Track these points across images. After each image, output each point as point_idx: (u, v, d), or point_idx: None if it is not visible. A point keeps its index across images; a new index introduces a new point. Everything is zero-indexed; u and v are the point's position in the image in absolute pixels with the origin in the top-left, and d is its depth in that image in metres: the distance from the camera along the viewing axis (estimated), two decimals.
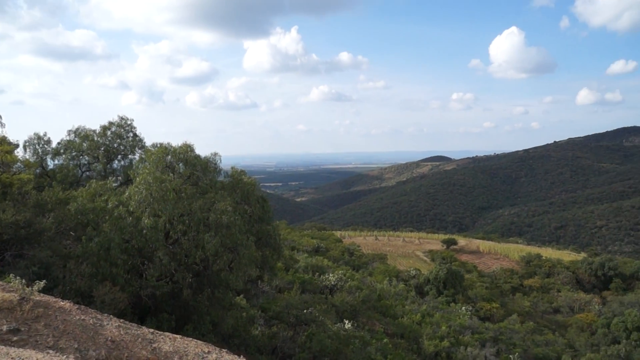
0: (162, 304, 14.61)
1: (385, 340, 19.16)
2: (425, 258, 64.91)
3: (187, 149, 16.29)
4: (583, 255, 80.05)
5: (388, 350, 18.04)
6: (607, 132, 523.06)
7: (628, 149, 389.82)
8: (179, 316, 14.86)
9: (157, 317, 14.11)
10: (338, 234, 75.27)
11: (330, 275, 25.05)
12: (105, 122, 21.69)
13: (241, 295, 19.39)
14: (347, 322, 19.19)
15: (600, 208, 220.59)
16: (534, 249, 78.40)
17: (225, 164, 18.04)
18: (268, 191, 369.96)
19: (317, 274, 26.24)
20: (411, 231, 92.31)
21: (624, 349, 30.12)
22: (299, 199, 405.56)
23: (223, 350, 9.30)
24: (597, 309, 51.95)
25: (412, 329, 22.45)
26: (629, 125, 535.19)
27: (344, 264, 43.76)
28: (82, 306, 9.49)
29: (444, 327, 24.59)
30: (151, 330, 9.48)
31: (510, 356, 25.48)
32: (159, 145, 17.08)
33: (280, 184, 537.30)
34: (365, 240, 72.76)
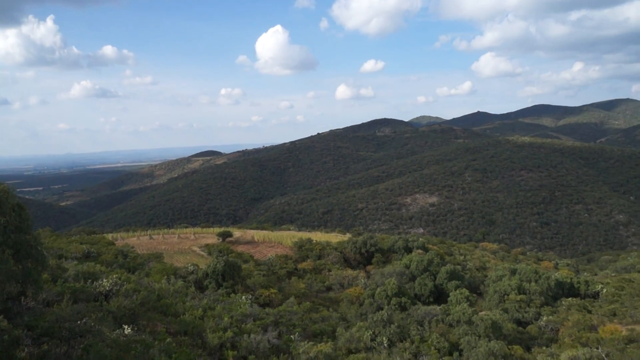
0: None
1: (168, 339, 18.67)
2: (202, 253, 64.60)
3: None
4: (348, 235, 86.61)
5: (172, 350, 17.63)
6: (362, 123, 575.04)
7: (380, 138, 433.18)
8: None
9: None
10: (110, 236, 71.15)
11: (104, 280, 23.69)
12: None
13: (1, 316, 17.31)
14: (126, 327, 18.31)
15: (360, 192, 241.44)
16: (305, 234, 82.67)
17: None
18: (27, 197, 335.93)
19: (90, 280, 24.64)
20: (186, 227, 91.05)
21: (386, 314, 33.48)
22: (63, 203, 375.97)
23: None
24: (363, 282, 56.78)
25: (195, 325, 22.21)
26: (380, 118, 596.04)
27: (119, 267, 41.54)
28: None
29: (226, 318, 24.75)
30: None
31: (292, 336, 26.65)
32: None
33: (41, 188, 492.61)
34: (139, 241, 69.97)
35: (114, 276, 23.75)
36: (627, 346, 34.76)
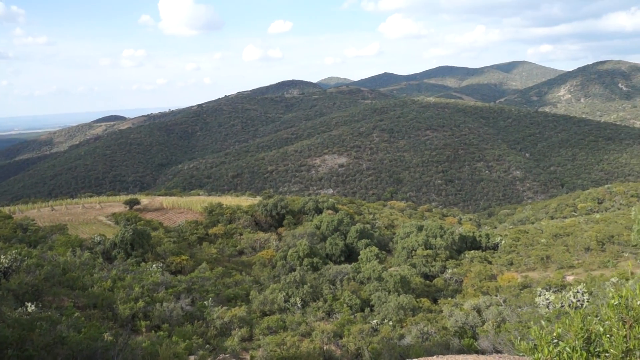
0: None
1: (76, 314, 18.04)
2: (109, 222, 62.57)
3: None
4: (259, 198, 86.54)
5: (81, 324, 17.05)
6: (270, 85, 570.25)
7: (288, 100, 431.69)
8: None
9: None
10: (6, 209, 67.25)
11: (2, 257, 22.43)
12: None
13: None
14: (29, 304, 17.52)
15: (270, 154, 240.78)
16: (215, 199, 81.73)
17: None
18: None
19: None
20: (91, 196, 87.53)
21: (298, 275, 33.99)
22: None
23: None
24: (275, 244, 57.28)
25: (104, 297, 21.60)
26: (288, 79, 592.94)
27: (18, 242, 39.52)
28: None
29: (137, 288, 24.25)
30: None
31: (205, 302, 26.54)
32: None
33: None
34: (40, 213, 66.65)
35: (13, 252, 22.52)
36: (522, 292, 37.45)
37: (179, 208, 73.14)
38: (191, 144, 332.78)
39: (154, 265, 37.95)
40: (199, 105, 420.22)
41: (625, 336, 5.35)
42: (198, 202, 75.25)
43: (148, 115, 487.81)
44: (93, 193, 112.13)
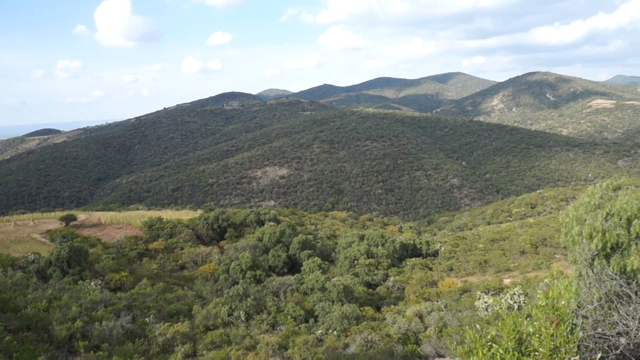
0: None
1: (7, 338, 17.35)
2: (43, 240, 60.37)
3: None
4: (200, 212, 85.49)
5: (13, 348, 16.42)
6: (210, 97, 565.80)
7: (228, 112, 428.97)
8: None
9: None
10: None
11: None
12: None
13: None
14: None
15: (210, 167, 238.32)
16: (155, 213, 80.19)
17: None
18: None
19: None
20: (24, 213, 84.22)
21: (241, 288, 33.78)
22: None
23: None
24: (217, 258, 56.61)
25: (39, 318, 20.85)
26: (228, 91, 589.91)
27: None
28: None
29: (74, 308, 23.51)
30: None
31: (146, 319, 26.02)
32: None
33: None
34: None
35: None
36: (462, 296, 38.44)
37: (117, 223, 71.35)
38: (129, 157, 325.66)
39: (93, 283, 36.89)
40: (137, 118, 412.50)
41: (552, 335, 5.67)
42: (137, 217, 73.63)
43: (84, 128, 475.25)
44: (26, 210, 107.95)
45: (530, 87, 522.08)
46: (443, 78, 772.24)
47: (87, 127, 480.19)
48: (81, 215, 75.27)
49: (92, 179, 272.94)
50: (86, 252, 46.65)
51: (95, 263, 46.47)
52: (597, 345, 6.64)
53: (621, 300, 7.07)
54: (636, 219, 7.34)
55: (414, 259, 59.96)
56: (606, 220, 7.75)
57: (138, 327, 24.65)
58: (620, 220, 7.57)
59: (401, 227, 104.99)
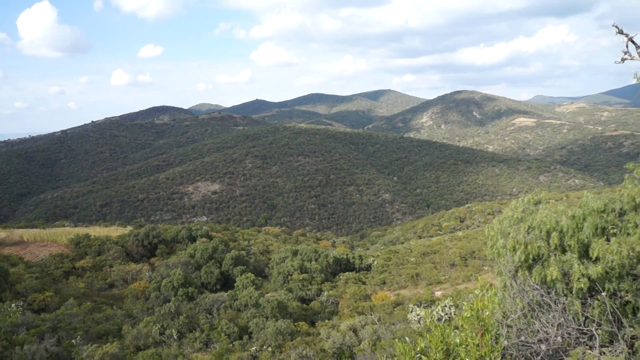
0: None
1: None
2: None
3: None
4: (130, 228, 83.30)
5: None
6: (140, 111, 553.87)
7: (159, 126, 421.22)
8: None
9: None
10: None
11: None
12: None
13: None
14: None
15: (140, 182, 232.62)
16: (82, 230, 77.49)
17: None
18: None
19: None
20: None
21: (173, 305, 33.16)
22: None
23: None
24: (148, 275, 55.30)
25: None
26: (159, 105, 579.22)
27: None
28: None
29: None
30: None
31: (73, 341, 25.09)
32: None
33: None
34: None
35: None
36: (395, 309, 39.12)
37: (42, 241, 68.47)
38: (55, 172, 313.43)
39: (13, 304, 35.20)
40: (63, 131, 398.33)
41: (478, 345, 5.95)
42: (63, 234, 70.93)
43: (5, 141, 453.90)
44: None
45: (458, 105, 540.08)
46: (374, 95, 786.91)
47: (9, 139, 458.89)
48: (1, 233, 71.78)
49: (14, 195, 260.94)
50: (6, 271, 44.52)
51: (16, 283, 44.40)
52: (520, 352, 6.99)
53: (542, 309, 7.47)
54: (554, 232, 7.79)
55: (347, 273, 60.55)
56: (528, 233, 8.18)
57: (64, 349, 23.74)
58: (541, 232, 8.00)
59: (334, 242, 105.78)
